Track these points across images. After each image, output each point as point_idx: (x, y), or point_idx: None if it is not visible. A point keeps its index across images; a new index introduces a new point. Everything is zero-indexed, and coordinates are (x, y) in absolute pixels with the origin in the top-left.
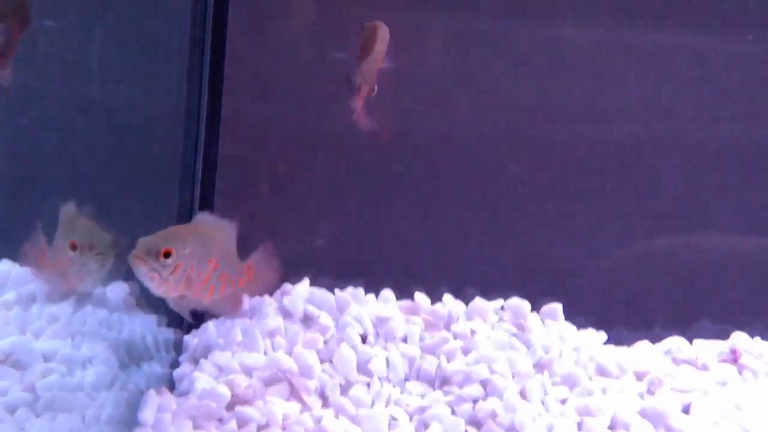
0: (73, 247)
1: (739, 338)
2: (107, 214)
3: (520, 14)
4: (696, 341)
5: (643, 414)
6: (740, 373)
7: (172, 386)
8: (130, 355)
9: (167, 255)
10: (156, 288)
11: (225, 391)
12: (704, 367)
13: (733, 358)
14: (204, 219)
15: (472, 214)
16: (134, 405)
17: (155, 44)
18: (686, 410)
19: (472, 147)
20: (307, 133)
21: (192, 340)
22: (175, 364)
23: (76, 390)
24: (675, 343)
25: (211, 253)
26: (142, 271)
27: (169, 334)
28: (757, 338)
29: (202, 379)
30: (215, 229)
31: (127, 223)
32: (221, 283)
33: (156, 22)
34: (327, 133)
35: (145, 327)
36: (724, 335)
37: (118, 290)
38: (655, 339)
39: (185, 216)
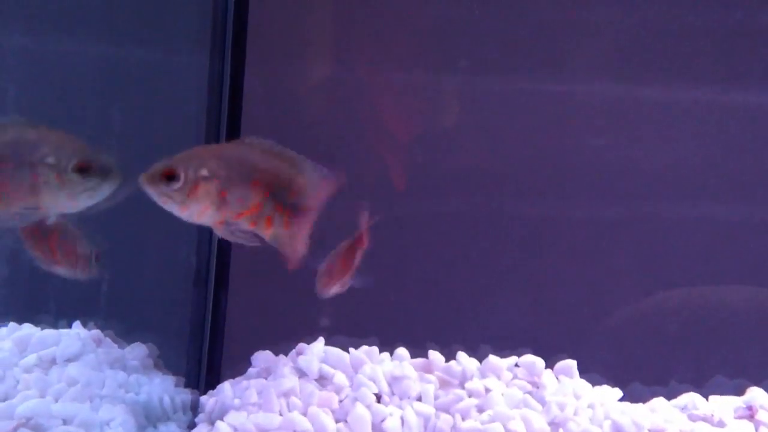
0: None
1: (755, 394)
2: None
3: (530, 71)
4: (712, 397)
5: None
6: (756, 429)
7: None
8: (148, 417)
9: (171, 177)
10: (178, 213)
11: None
12: (720, 424)
13: (750, 414)
14: (251, 141)
15: (484, 271)
16: None
17: (172, 110)
18: None
19: (484, 205)
20: None
21: (208, 400)
22: (192, 425)
23: None
24: (691, 399)
25: (253, 176)
26: (153, 195)
27: (186, 394)
28: None
29: None
30: (264, 152)
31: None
32: (281, 214)
33: (173, 88)
34: (339, 190)
35: (162, 388)
36: (739, 391)
37: (137, 352)
38: (670, 394)
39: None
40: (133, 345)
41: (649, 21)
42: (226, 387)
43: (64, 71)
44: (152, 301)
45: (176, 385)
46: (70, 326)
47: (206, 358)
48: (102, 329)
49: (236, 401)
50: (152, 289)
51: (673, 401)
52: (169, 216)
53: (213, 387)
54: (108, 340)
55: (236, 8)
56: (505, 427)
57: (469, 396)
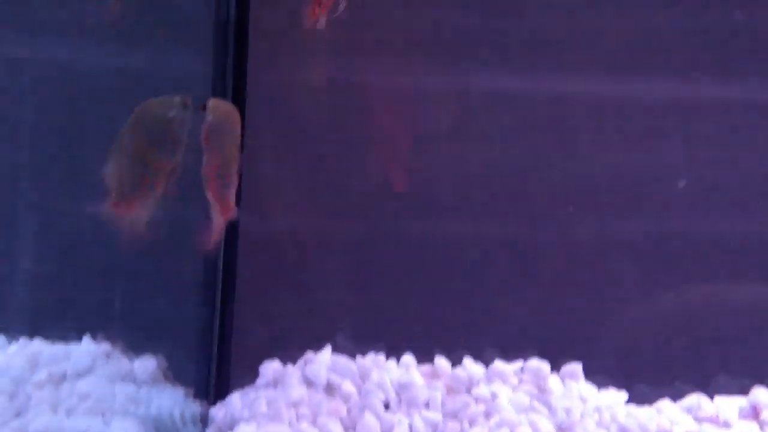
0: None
1: (760, 393)
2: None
3: (526, 69)
4: (717, 398)
5: None
6: (762, 429)
7: None
8: (159, 431)
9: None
10: None
11: None
12: (726, 425)
13: (755, 414)
14: None
15: (488, 275)
16: None
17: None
18: None
19: (487, 208)
20: (326, 197)
21: (218, 412)
22: None
23: None
24: (696, 400)
25: None
26: None
27: (196, 407)
28: None
29: None
30: None
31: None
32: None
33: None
34: (345, 197)
35: (172, 401)
36: (744, 390)
37: (147, 364)
38: (675, 395)
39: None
40: (142, 358)
41: (647, 19)
42: (235, 398)
43: None
44: (160, 313)
45: (186, 397)
46: (80, 338)
47: (215, 369)
48: (111, 341)
49: (245, 413)
50: (160, 301)
51: (679, 402)
52: (176, 229)
53: (223, 397)
54: (117, 353)
55: None
56: None
57: (476, 402)
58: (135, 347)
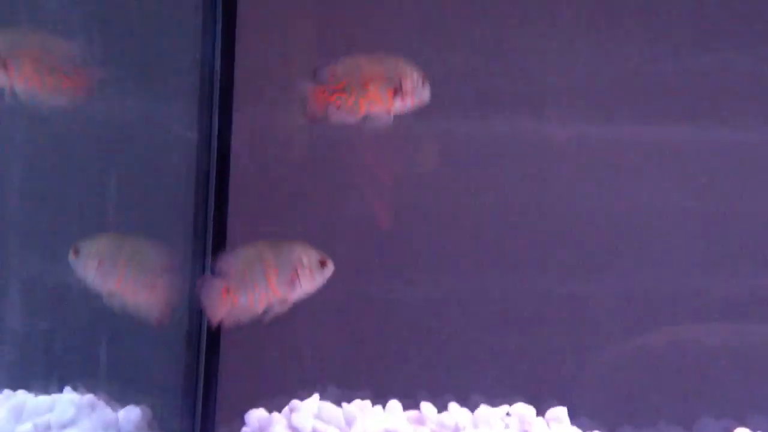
0: None
1: None
2: None
3: (509, 114)
4: None
5: None
6: None
7: None
8: None
9: None
10: None
11: None
12: None
13: None
14: None
15: (474, 320)
16: None
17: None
18: None
19: (473, 252)
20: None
21: None
22: None
23: None
24: None
25: None
26: None
27: None
28: None
29: None
30: None
31: None
32: None
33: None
34: (331, 240)
35: None
36: (726, 431)
37: (131, 415)
38: None
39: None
40: (126, 408)
41: (626, 62)
42: None
43: None
44: (145, 363)
45: None
46: (61, 390)
47: (200, 419)
48: (94, 392)
49: None
50: (144, 351)
51: None
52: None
53: None
54: (101, 403)
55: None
56: None
57: None
58: (119, 398)
